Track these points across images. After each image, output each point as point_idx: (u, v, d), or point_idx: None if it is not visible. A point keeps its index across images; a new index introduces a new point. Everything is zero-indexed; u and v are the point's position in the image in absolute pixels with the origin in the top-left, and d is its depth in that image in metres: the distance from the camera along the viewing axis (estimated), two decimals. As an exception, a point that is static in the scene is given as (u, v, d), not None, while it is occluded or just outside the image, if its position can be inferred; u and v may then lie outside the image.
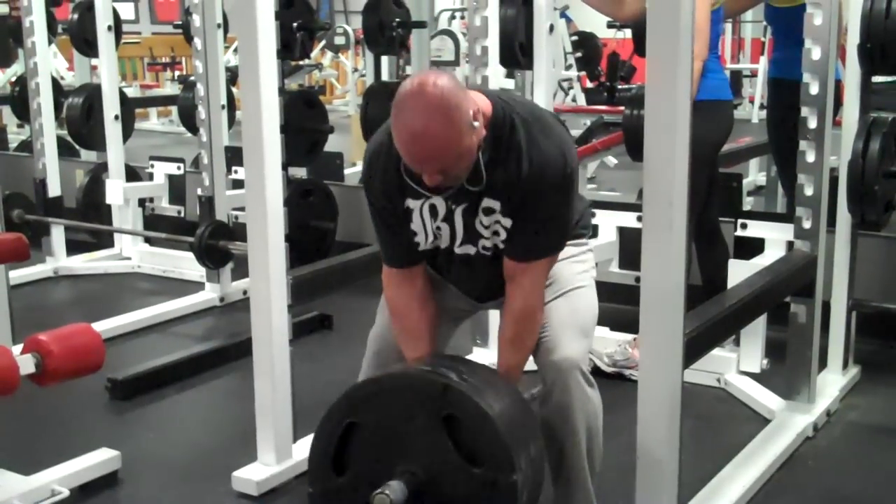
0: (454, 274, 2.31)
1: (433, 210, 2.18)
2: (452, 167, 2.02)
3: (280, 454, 2.78)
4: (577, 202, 2.24)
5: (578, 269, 2.34)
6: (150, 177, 5.37)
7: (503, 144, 2.09)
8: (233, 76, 5.98)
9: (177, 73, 11.24)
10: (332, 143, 4.79)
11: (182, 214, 5.27)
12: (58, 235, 5.15)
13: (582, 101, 8.13)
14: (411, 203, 2.19)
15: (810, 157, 3.06)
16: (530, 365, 2.25)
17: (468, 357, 2.61)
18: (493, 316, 3.33)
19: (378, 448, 2.06)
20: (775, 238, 3.36)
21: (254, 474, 2.75)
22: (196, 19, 4.41)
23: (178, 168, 5.31)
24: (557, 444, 2.23)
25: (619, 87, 8.44)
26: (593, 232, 2.37)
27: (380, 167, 2.18)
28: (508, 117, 2.10)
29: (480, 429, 1.99)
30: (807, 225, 3.11)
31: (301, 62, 8.79)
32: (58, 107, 5.27)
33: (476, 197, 2.13)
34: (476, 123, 2.01)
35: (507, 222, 2.15)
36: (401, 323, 2.28)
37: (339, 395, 2.10)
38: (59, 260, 5.16)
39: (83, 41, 5.55)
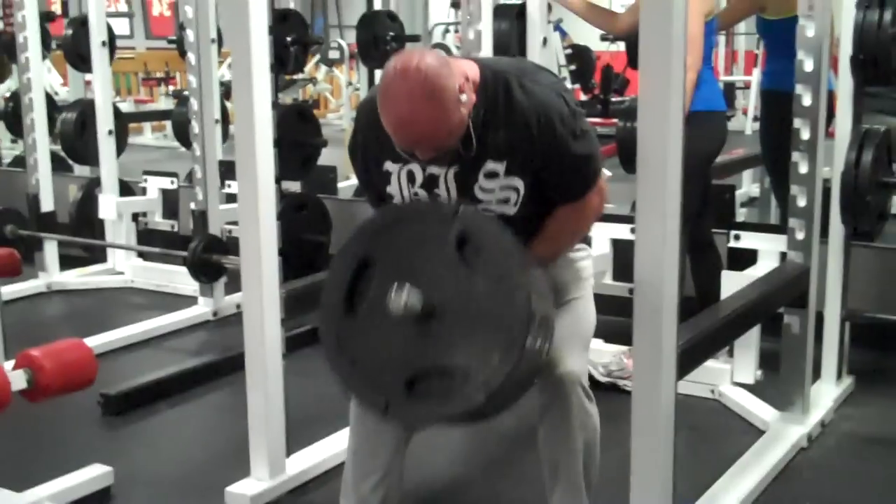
0: None
1: (410, 176, 2.18)
2: (444, 144, 2.03)
3: (273, 469, 2.77)
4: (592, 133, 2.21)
5: (577, 276, 2.34)
6: (144, 191, 5.37)
7: (501, 106, 2.09)
8: (227, 90, 6.00)
9: (171, 87, 11.26)
10: (326, 157, 4.79)
11: (175, 229, 5.26)
12: (51, 250, 5.13)
13: (576, 113, 8.13)
14: (390, 166, 2.20)
15: (803, 169, 3.07)
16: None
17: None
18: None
19: (391, 281, 1.99)
20: (768, 249, 3.37)
21: (247, 489, 2.73)
22: (190, 34, 4.42)
23: (172, 182, 5.31)
24: (555, 458, 2.22)
25: (613, 99, 8.47)
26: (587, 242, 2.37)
27: (364, 124, 2.20)
28: (501, 79, 2.10)
29: (493, 244, 1.97)
30: (800, 236, 3.11)
31: (295, 76, 8.81)
32: (51, 122, 5.27)
33: (474, 161, 2.12)
34: (463, 97, 2.01)
35: (518, 182, 2.13)
36: None
37: (351, 233, 2.09)
38: (52, 275, 5.14)
39: (77, 56, 5.56)
